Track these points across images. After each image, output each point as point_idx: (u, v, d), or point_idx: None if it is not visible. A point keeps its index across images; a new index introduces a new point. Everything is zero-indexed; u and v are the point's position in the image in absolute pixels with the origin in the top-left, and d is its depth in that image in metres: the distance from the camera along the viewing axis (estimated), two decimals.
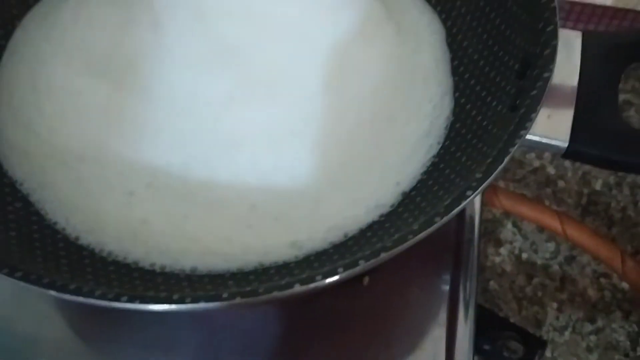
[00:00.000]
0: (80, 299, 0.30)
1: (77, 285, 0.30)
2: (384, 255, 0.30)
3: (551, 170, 0.63)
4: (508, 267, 0.58)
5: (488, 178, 0.31)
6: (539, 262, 0.58)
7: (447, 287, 0.44)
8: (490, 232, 0.59)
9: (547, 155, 0.64)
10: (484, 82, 0.40)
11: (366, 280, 0.41)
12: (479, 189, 0.31)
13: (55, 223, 0.37)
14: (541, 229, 0.59)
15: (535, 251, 0.58)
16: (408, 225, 0.33)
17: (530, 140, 0.34)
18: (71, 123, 0.40)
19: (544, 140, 0.34)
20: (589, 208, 0.61)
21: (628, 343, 0.54)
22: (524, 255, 0.58)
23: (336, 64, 0.42)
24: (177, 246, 0.36)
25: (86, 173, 0.39)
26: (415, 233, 0.30)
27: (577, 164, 0.63)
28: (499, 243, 0.59)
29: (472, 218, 0.47)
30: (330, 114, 0.40)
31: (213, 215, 0.37)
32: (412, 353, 0.42)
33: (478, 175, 0.32)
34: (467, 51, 0.42)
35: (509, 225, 0.60)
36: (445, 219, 0.30)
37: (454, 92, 0.41)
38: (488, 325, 0.53)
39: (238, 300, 0.29)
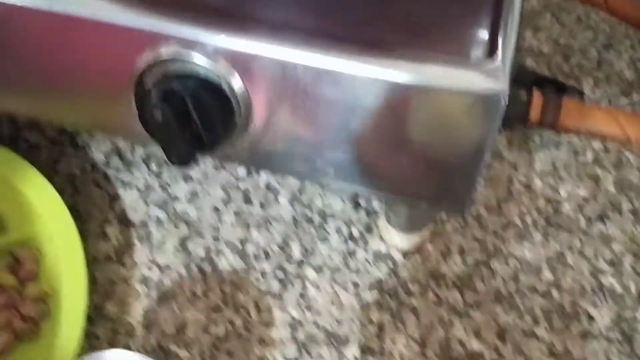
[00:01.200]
0: None
1: None
2: None
3: None
4: (545, 49, 0.58)
5: None
6: (577, 46, 0.58)
7: None
8: (528, 20, 0.59)
9: None
10: None
11: None
12: None
13: None
14: (580, 20, 0.59)
15: (574, 38, 0.58)
16: None
17: None
18: None
19: None
20: None
21: None
22: (562, 40, 0.58)
23: None
24: None
25: None
26: None
27: None
28: (537, 30, 0.59)
29: None
30: None
31: None
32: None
33: None
34: None
35: (548, 16, 0.59)
36: None
37: None
38: (522, 78, 0.53)
39: None
